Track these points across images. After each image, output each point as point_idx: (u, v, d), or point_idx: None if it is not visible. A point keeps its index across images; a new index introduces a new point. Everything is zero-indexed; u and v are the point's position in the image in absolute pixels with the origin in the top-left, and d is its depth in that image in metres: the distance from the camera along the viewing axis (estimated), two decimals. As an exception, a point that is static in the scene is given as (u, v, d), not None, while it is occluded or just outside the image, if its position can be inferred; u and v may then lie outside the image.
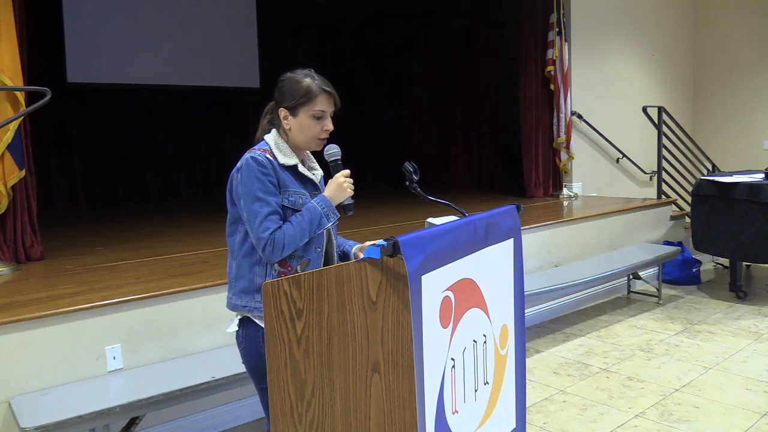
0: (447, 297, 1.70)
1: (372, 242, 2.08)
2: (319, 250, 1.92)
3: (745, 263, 5.56)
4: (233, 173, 1.88)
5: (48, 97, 3.31)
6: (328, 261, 2.00)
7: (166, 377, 2.68)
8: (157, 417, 2.84)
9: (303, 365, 1.64)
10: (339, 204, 1.91)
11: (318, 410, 1.63)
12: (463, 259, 1.78)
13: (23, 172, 3.55)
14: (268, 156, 1.85)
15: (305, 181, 1.93)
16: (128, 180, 7.62)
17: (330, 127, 1.92)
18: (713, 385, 3.44)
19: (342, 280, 1.57)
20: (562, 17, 6.05)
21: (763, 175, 5.06)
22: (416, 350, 1.52)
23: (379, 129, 9.00)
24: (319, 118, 1.89)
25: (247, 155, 1.86)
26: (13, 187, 3.52)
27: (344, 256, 2.09)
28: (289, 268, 1.88)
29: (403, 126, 8.71)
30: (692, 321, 4.57)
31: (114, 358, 2.77)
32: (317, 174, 2.00)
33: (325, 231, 1.93)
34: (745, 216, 4.80)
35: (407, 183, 2.04)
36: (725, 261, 5.92)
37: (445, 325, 1.70)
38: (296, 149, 1.94)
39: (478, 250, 1.88)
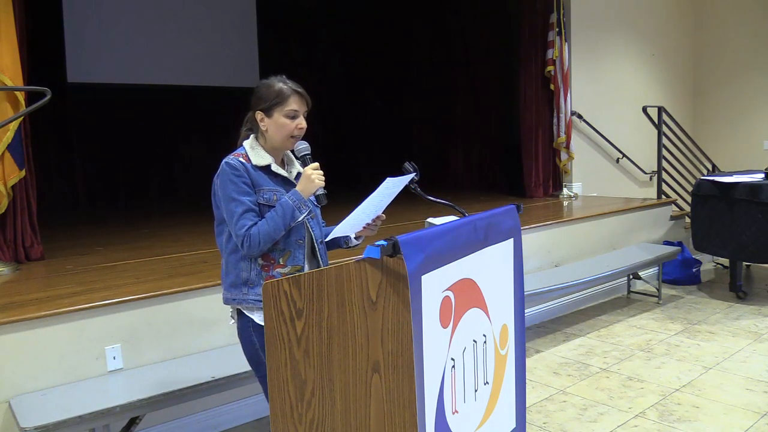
0: (447, 297, 1.70)
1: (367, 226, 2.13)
2: (300, 242, 2.02)
3: (745, 263, 5.55)
4: (214, 179, 2.02)
5: (48, 97, 3.31)
6: (312, 253, 2.08)
7: (166, 377, 2.67)
8: (157, 417, 2.84)
9: (303, 365, 1.64)
10: (314, 195, 2.00)
11: (318, 410, 1.64)
12: (463, 259, 1.78)
13: (23, 172, 3.55)
14: (241, 159, 1.98)
15: (280, 178, 2.03)
16: (128, 180, 7.62)
17: (303, 125, 2.03)
18: (713, 385, 3.44)
19: (342, 280, 1.57)
20: (562, 17, 6.05)
21: (763, 175, 5.05)
22: (416, 350, 1.52)
23: (379, 129, 9.00)
24: (292, 117, 2.01)
25: (223, 161, 1.99)
26: (13, 187, 3.52)
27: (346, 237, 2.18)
28: (272, 261, 1.99)
29: (403, 126, 8.71)
30: (692, 321, 4.57)
31: (114, 358, 2.77)
32: (293, 171, 2.10)
33: (305, 223, 2.02)
34: (745, 216, 4.80)
35: (407, 183, 2.04)
36: (725, 261, 5.91)
37: (445, 325, 1.70)
38: (273, 151, 2.05)
39: (478, 250, 1.88)
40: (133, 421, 2.60)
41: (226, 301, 2.04)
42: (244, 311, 2.00)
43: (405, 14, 8.41)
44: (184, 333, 2.96)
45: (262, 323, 1.93)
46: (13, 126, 3.43)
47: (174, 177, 7.92)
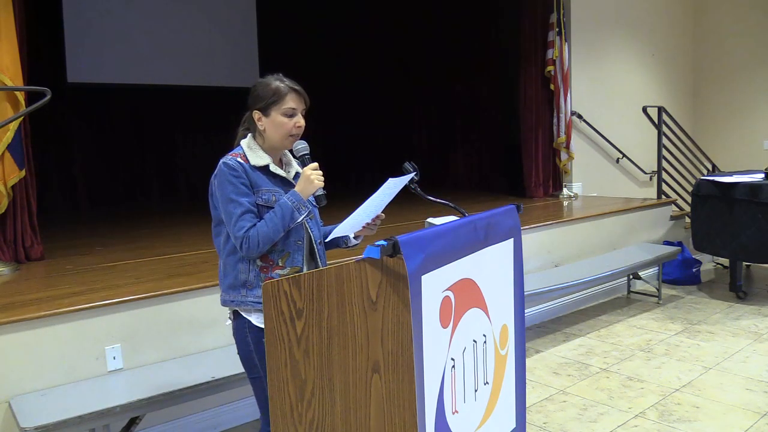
0: (447, 297, 1.70)
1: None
2: (299, 243, 2.00)
3: (745, 263, 5.55)
4: (211, 179, 1.99)
5: (48, 97, 3.31)
6: (311, 254, 2.06)
7: (166, 377, 2.67)
8: (157, 417, 2.84)
9: (303, 365, 1.64)
10: (313, 196, 1.98)
11: (318, 410, 1.64)
12: (463, 259, 1.78)
13: (23, 172, 3.55)
14: (239, 160, 1.96)
15: (278, 179, 2.01)
16: (128, 180, 7.62)
17: (301, 123, 2.01)
18: (713, 385, 3.44)
19: (342, 280, 1.57)
20: (562, 17, 6.05)
21: (763, 175, 5.05)
22: (416, 350, 1.52)
23: (379, 129, 8.99)
24: (290, 115, 1.98)
25: (221, 161, 1.96)
26: (13, 187, 3.52)
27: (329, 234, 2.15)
28: (271, 262, 1.97)
29: (403, 126, 8.70)
30: (692, 321, 4.57)
31: (114, 358, 2.77)
32: (292, 172, 2.08)
33: (304, 224, 2.00)
34: (745, 216, 4.79)
35: (407, 183, 2.04)
36: (725, 261, 5.91)
37: (445, 325, 1.70)
38: (272, 150, 2.03)
39: (478, 250, 1.88)
40: (133, 421, 2.60)
41: (224, 303, 2.02)
42: (241, 313, 1.99)
43: (405, 14, 8.41)
44: (184, 333, 2.96)
45: (260, 325, 1.93)
46: (13, 126, 3.43)
47: (174, 177, 7.92)
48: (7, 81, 3.40)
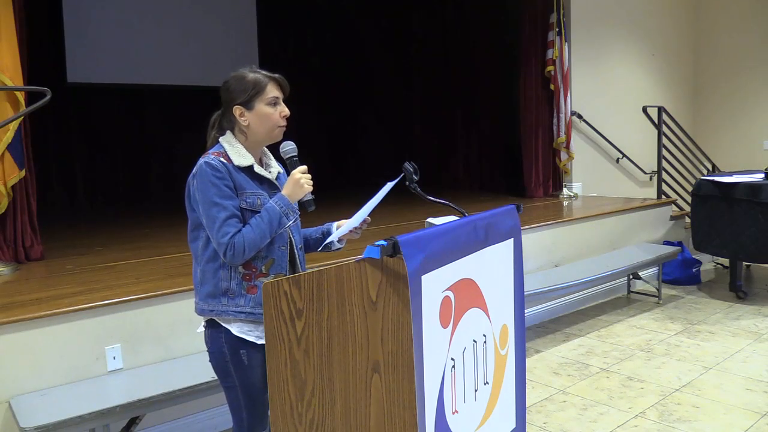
0: (447, 297, 1.70)
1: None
2: (283, 248, 1.92)
3: (745, 263, 5.55)
4: (189, 180, 1.87)
5: (48, 97, 3.31)
6: (292, 260, 1.99)
7: (166, 377, 2.67)
8: (157, 417, 2.84)
9: (303, 365, 1.64)
10: (300, 200, 1.90)
11: (318, 410, 1.63)
12: (463, 259, 1.78)
13: (23, 172, 3.55)
14: (222, 159, 1.85)
15: (262, 180, 1.93)
16: (128, 180, 7.62)
17: (286, 111, 1.93)
18: (713, 385, 3.44)
19: (342, 280, 1.57)
20: (562, 17, 6.05)
21: (763, 175, 5.05)
22: (416, 350, 1.52)
23: (379, 129, 8.99)
24: (274, 104, 1.90)
25: (201, 160, 1.85)
26: (13, 187, 3.52)
27: (327, 233, 2.10)
28: (254, 270, 1.88)
29: (403, 126, 8.70)
30: (692, 321, 4.57)
31: (114, 358, 2.77)
32: (273, 172, 1.99)
33: (287, 229, 1.92)
34: (745, 216, 4.80)
35: (407, 183, 2.04)
36: (725, 261, 5.91)
37: (445, 325, 1.70)
38: (253, 148, 1.93)
39: (478, 250, 1.88)
40: (133, 421, 2.60)
41: (201, 312, 1.92)
42: (220, 322, 1.89)
43: (406, 14, 8.41)
44: (184, 333, 2.96)
45: (240, 335, 1.87)
46: (13, 126, 3.43)
47: (174, 177, 7.90)
48: (7, 81, 3.40)
